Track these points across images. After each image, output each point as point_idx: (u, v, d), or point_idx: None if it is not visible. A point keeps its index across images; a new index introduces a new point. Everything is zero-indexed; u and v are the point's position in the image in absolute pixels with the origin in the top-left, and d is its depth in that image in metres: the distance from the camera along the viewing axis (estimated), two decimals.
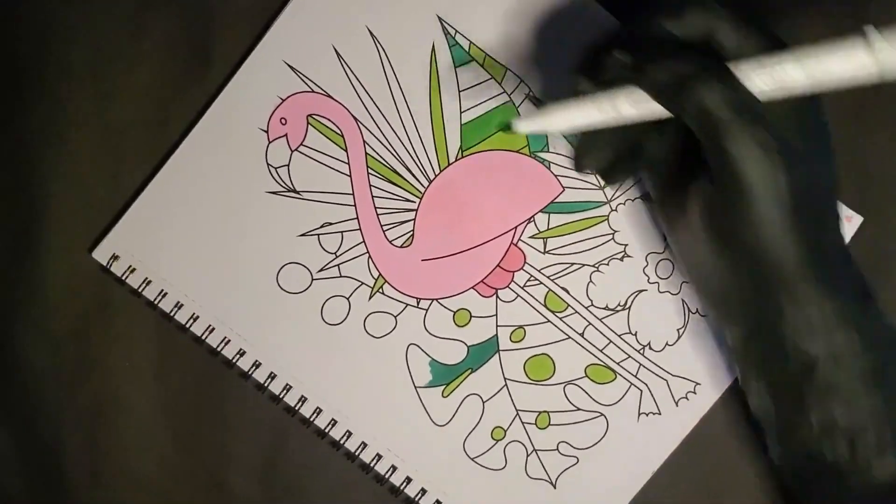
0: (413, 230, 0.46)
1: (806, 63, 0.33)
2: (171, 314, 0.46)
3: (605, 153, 0.38)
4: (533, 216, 0.46)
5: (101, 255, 0.46)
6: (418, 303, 0.46)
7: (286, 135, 0.46)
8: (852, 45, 0.31)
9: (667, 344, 0.47)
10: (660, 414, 0.46)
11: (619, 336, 0.47)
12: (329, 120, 0.46)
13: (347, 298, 0.46)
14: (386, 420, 0.46)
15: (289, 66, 0.46)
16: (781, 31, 0.48)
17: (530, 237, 0.46)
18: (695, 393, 0.47)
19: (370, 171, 0.46)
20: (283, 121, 0.46)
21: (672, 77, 0.33)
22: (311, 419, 0.46)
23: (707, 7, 0.35)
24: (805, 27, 0.47)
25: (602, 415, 0.46)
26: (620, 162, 0.38)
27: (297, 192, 0.46)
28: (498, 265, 0.46)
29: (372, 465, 0.46)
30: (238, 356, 0.46)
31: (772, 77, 0.33)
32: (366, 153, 0.46)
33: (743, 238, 0.35)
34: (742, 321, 0.39)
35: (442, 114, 0.46)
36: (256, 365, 0.46)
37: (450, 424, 0.46)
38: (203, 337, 0.46)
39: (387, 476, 0.46)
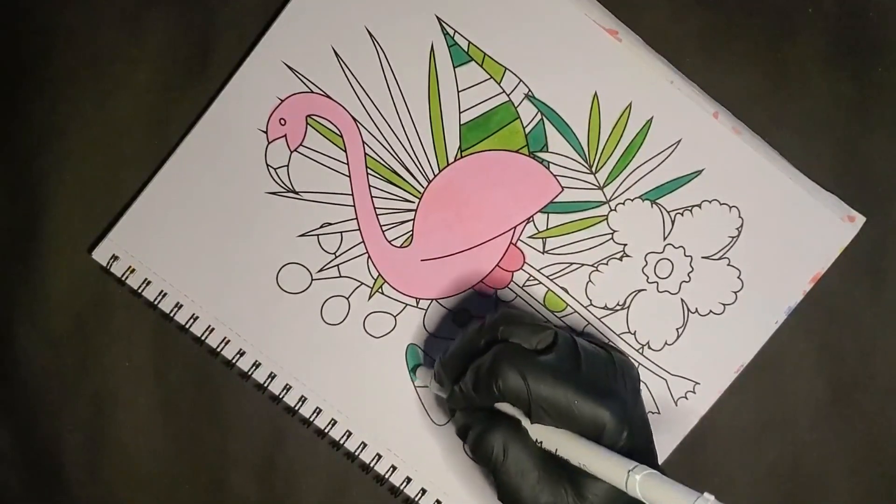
0: (412, 230, 0.46)
1: (577, 455, 0.36)
2: (171, 314, 0.46)
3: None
4: (532, 216, 0.46)
5: (101, 255, 0.46)
6: (418, 303, 0.46)
7: (285, 135, 0.46)
8: (619, 473, 0.34)
9: (666, 343, 0.47)
10: (659, 413, 0.46)
11: (618, 335, 0.47)
12: (328, 120, 0.46)
13: (347, 298, 0.46)
14: (386, 420, 0.46)
15: (288, 66, 0.46)
16: (781, 31, 0.48)
17: (529, 237, 0.46)
18: (694, 392, 0.47)
19: (369, 171, 0.46)
20: (283, 121, 0.46)
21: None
22: (311, 419, 0.46)
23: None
24: (805, 27, 0.47)
25: None
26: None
27: (297, 193, 0.46)
28: (497, 265, 0.46)
29: (372, 465, 0.46)
30: (238, 356, 0.46)
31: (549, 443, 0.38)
32: (365, 153, 0.46)
33: None
34: None
35: (441, 114, 0.46)
36: (256, 365, 0.46)
37: (450, 424, 0.46)
38: (203, 337, 0.46)
39: (386, 476, 0.46)
